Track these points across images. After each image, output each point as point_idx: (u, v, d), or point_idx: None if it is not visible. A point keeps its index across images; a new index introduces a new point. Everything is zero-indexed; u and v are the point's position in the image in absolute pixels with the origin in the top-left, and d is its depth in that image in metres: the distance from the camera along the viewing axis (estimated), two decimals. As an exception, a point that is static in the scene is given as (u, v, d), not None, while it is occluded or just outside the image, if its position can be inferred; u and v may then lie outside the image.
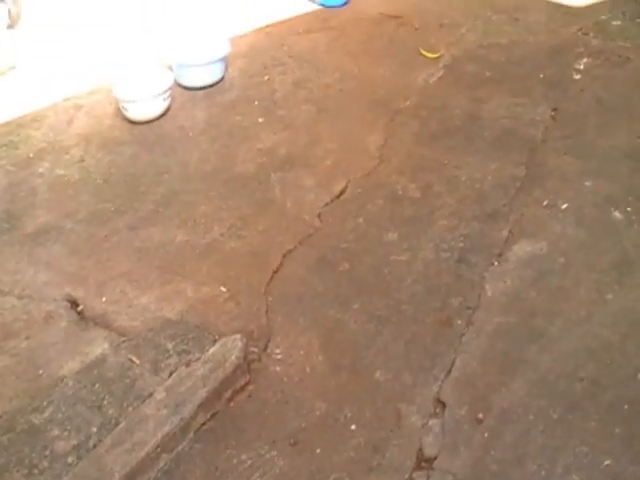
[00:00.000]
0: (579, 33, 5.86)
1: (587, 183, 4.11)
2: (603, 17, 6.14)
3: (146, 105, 4.69)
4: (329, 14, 6.25)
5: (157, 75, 4.89)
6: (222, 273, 3.55)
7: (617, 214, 3.88)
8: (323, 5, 6.38)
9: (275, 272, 3.55)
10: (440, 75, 5.22)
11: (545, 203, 3.96)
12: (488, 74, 5.20)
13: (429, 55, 5.46)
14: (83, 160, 4.43)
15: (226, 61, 5.22)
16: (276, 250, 3.67)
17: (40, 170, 4.36)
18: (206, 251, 3.70)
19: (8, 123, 4.78)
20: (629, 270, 3.53)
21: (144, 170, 4.32)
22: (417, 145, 4.44)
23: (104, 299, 3.44)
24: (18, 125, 4.78)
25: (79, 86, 5.20)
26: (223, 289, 3.46)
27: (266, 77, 5.25)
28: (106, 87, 5.07)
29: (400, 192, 4.05)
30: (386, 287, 3.44)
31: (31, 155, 4.49)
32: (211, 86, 5.14)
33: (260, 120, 4.73)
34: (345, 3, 6.39)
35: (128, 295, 3.46)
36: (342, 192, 4.07)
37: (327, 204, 3.98)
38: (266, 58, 5.51)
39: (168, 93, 4.77)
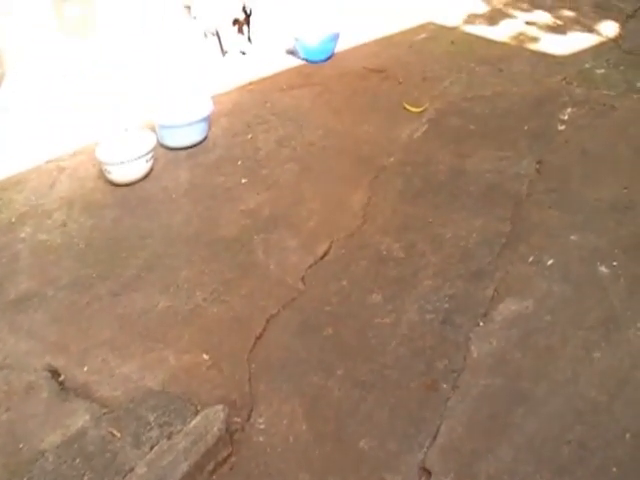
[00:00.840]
0: (563, 82, 5.93)
1: (573, 237, 4.14)
2: (587, 65, 6.22)
3: (129, 167, 4.73)
4: (312, 69, 6.33)
5: (140, 136, 4.94)
6: (205, 340, 3.57)
7: (603, 269, 3.91)
8: (306, 60, 6.45)
9: (258, 338, 3.56)
10: (424, 130, 5.27)
11: (530, 259, 3.99)
12: (472, 127, 5.26)
13: (413, 109, 5.52)
14: (65, 224, 4.46)
15: (209, 120, 5.27)
16: (259, 315, 3.69)
17: (22, 235, 4.40)
18: (189, 317, 3.71)
19: (-10, 186, 4.82)
20: (616, 326, 3.55)
21: (126, 234, 4.35)
22: (401, 203, 4.48)
23: (85, 368, 3.46)
24: (1, 189, 4.82)
25: (61, 148, 5.25)
26: (205, 357, 3.47)
27: (249, 136, 5.30)
28: (89, 148, 5.12)
29: (384, 252, 4.08)
30: (370, 351, 3.45)
31: (13, 220, 4.53)
32: (194, 146, 5.18)
33: (243, 180, 4.78)
34: (329, 58, 6.47)
35: (110, 364, 3.47)
36: (326, 253, 4.10)
37: (311, 266, 4.01)
38: (249, 116, 5.57)
39: (151, 155, 4.81)
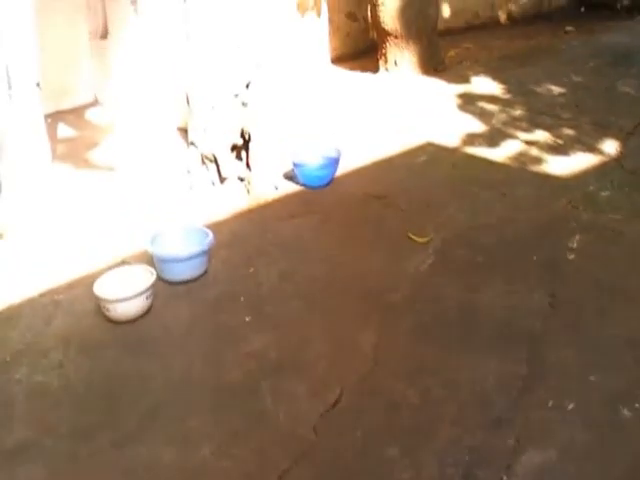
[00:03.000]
0: (569, 206, 6.03)
1: (591, 378, 4.14)
2: (591, 187, 6.35)
3: (128, 305, 4.72)
4: (312, 196, 6.41)
5: (138, 271, 4.96)
6: (215, 499, 3.51)
7: (626, 412, 3.90)
8: (305, 186, 6.52)
9: (271, 497, 3.51)
10: (431, 262, 5.30)
11: (550, 404, 3.97)
12: (480, 259, 5.31)
13: (418, 240, 5.57)
14: (62, 366, 4.42)
15: (209, 253, 5.29)
16: (271, 470, 3.62)
17: (17, 376, 4.34)
18: (197, 473, 3.64)
19: (-16, 322, 4.80)
20: (645, 477, 3.53)
21: (127, 377, 4.32)
22: (413, 343, 4.48)
23: (89, 532, 3.39)
24: (-6, 324, 4.80)
25: (55, 279, 5.23)
26: (216, 519, 3.41)
27: (251, 269, 5.32)
28: (85, 280, 5.11)
29: (398, 399, 4.05)
30: (391, 511, 3.41)
31: (8, 359, 4.48)
32: (194, 280, 5.19)
33: (247, 319, 4.77)
34: (328, 183, 6.54)
35: (115, 527, 3.41)
36: (337, 401, 4.05)
37: (322, 415, 3.96)
38: (250, 247, 5.60)
39: (151, 291, 4.80)
